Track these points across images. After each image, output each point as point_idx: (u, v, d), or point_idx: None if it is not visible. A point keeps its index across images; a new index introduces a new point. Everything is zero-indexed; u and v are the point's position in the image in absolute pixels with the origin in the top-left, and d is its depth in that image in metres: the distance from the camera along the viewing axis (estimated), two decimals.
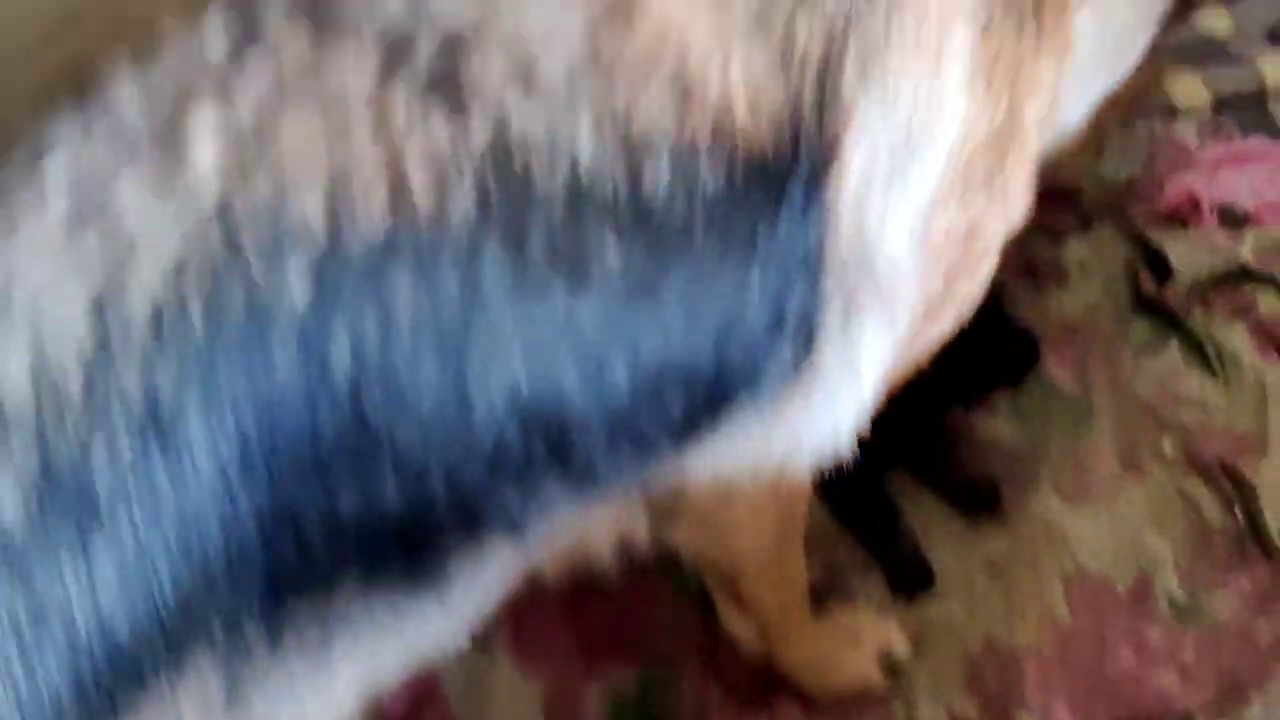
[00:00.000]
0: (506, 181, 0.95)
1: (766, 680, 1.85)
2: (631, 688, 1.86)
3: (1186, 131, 2.37)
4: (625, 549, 1.47)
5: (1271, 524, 1.95)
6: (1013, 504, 2.00)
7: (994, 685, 1.87)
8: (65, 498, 0.86)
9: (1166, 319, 2.18)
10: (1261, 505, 1.96)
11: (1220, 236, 2.23)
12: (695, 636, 1.87)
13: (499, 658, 1.88)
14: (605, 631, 1.90)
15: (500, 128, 0.96)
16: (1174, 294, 2.16)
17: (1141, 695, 1.85)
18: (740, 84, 1.01)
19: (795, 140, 1.04)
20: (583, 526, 1.31)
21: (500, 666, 1.87)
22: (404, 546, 1.02)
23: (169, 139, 0.93)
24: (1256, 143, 2.34)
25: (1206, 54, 2.50)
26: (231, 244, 0.90)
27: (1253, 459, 2.02)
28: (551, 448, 1.03)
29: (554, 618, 1.92)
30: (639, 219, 0.99)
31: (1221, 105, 2.44)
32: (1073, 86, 1.33)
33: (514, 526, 1.09)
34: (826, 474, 1.37)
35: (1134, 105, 2.13)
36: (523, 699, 1.85)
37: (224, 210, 0.91)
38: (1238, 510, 1.99)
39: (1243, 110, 2.43)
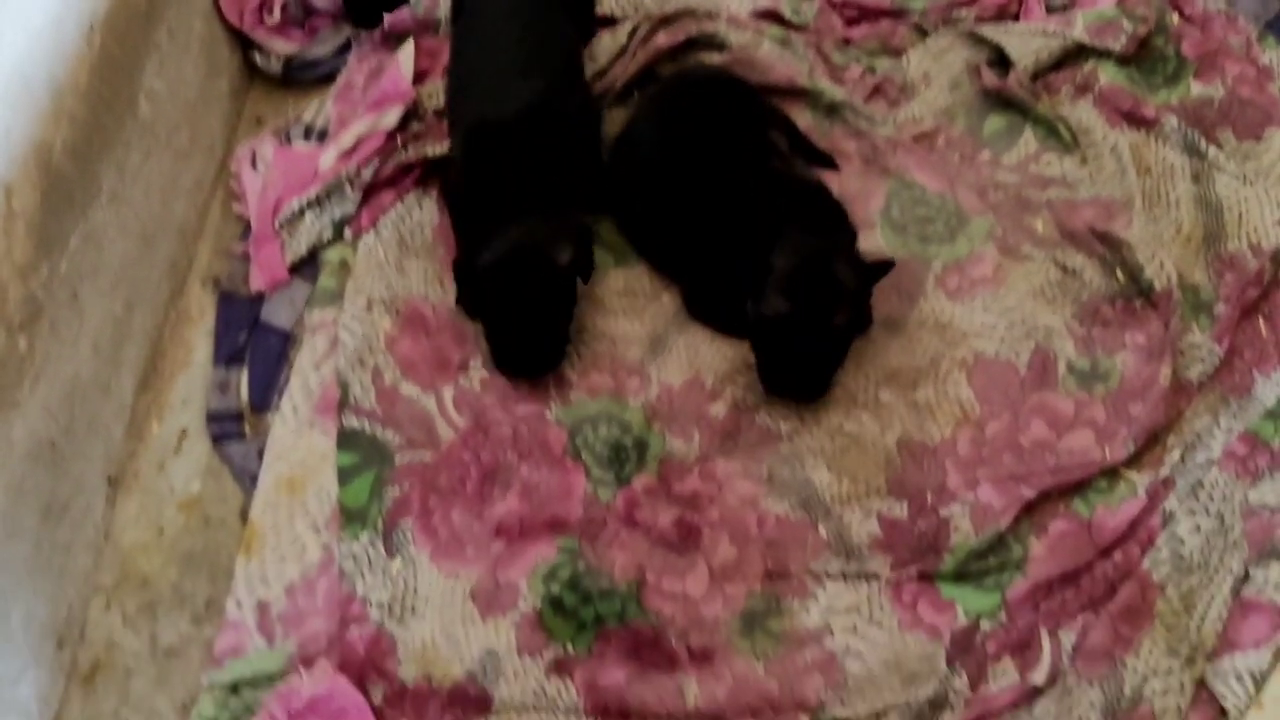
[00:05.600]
0: None
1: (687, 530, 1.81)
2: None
3: None
4: None
5: (1151, 276, 1.96)
6: (903, 312, 1.99)
7: (917, 483, 1.85)
8: None
9: (1016, 108, 2.18)
10: (1140, 261, 1.97)
11: (1051, 22, 2.24)
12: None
13: (419, 559, 1.81)
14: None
15: None
16: (1018, 84, 2.17)
17: (1062, 462, 1.84)
18: None
19: None
20: None
21: (421, 569, 1.80)
22: None
23: None
24: None
25: None
26: None
27: (1123, 220, 2.03)
28: None
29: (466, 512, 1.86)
30: None
31: None
32: None
33: None
34: None
35: None
36: (451, 597, 1.78)
37: None
38: (1118, 272, 2.00)
39: None
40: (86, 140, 1.84)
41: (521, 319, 1.89)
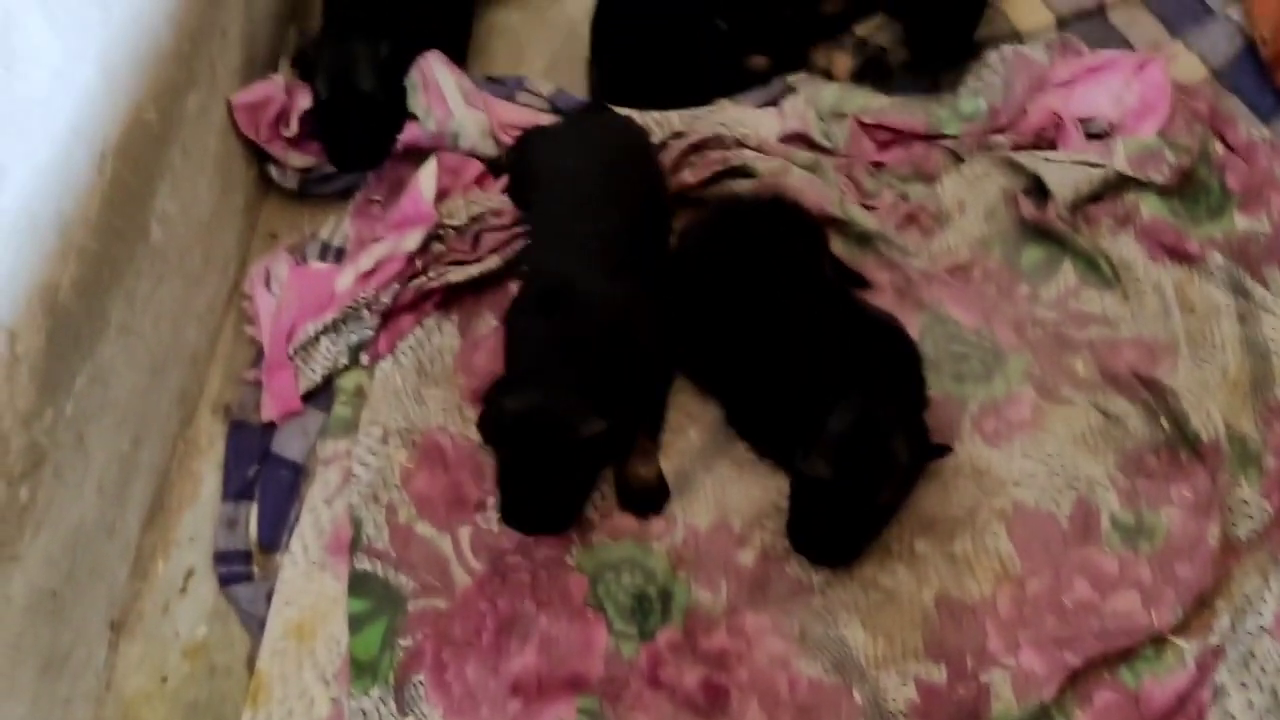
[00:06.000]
0: None
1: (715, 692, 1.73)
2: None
3: (1036, 53, 2.33)
4: None
5: (1197, 426, 1.88)
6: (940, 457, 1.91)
7: (956, 645, 1.76)
8: None
9: (1055, 240, 2.12)
10: (1185, 409, 1.89)
11: (1091, 150, 2.17)
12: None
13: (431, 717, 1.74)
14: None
15: None
16: (1057, 215, 2.10)
17: (1107, 626, 1.76)
18: None
19: None
20: None
21: None
22: None
23: None
24: (1107, 54, 2.30)
25: None
26: None
27: (1167, 364, 1.96)
28: None
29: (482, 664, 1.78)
30: None
31: (1063, 23, 2.41)
32: None
33: None
34: None
35: None
36: None
37: None
38: (1163, 420, 1.92)
39: (1086, 25, 2.40)
40: (95, 274, 1.77)
41: (532, 478, 1.78)
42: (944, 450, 1.81)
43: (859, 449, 1.71)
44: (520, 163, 2.16)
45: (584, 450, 1.74)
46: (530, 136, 2.17)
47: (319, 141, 2.23)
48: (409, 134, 2.22)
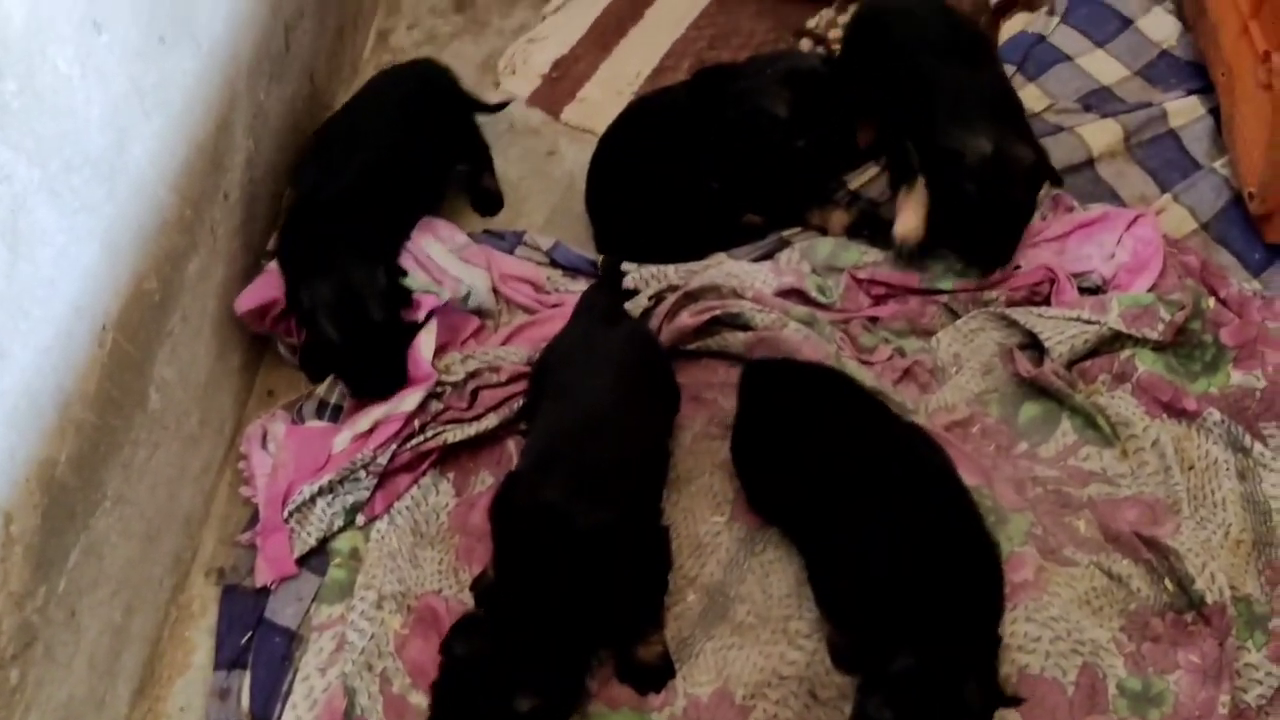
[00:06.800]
0: None
1: None
2: None
3: None
4: None
5: (1202, 588, 1.86)
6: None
7: None
8: None
9: (1052, 397, 2.12)
10: (1189, 571, 1.87)
11: (1086, 306, 2.19)
12: None
13: None
14: None
15: None
16: (1054, 372, 2.11)
17: None
18: None
19: None
20: None
21: None
22: None
23: None
24: (1098, 210, 2.33)
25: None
26: None
27: (1169, 525, 1.94)
28: None
29: None
30: None
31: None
32: None
33: None
34: None
35: None
36: None
37: None
38: (1167, 581, 1.90)
39: (1076, 178, 2.43)
40: (93, 448, 1.77)
41: None
42: (1017, 700, 1.70)
43: (926, 696, 1.60)
44: (536, 377, 2.10)
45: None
46: (545, 353, 2.11)
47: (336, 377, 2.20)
48: (427, 304, 2.19)
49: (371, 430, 2.10)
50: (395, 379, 2.13)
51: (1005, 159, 2.10)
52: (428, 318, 2.18)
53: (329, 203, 2.19)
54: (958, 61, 2.25)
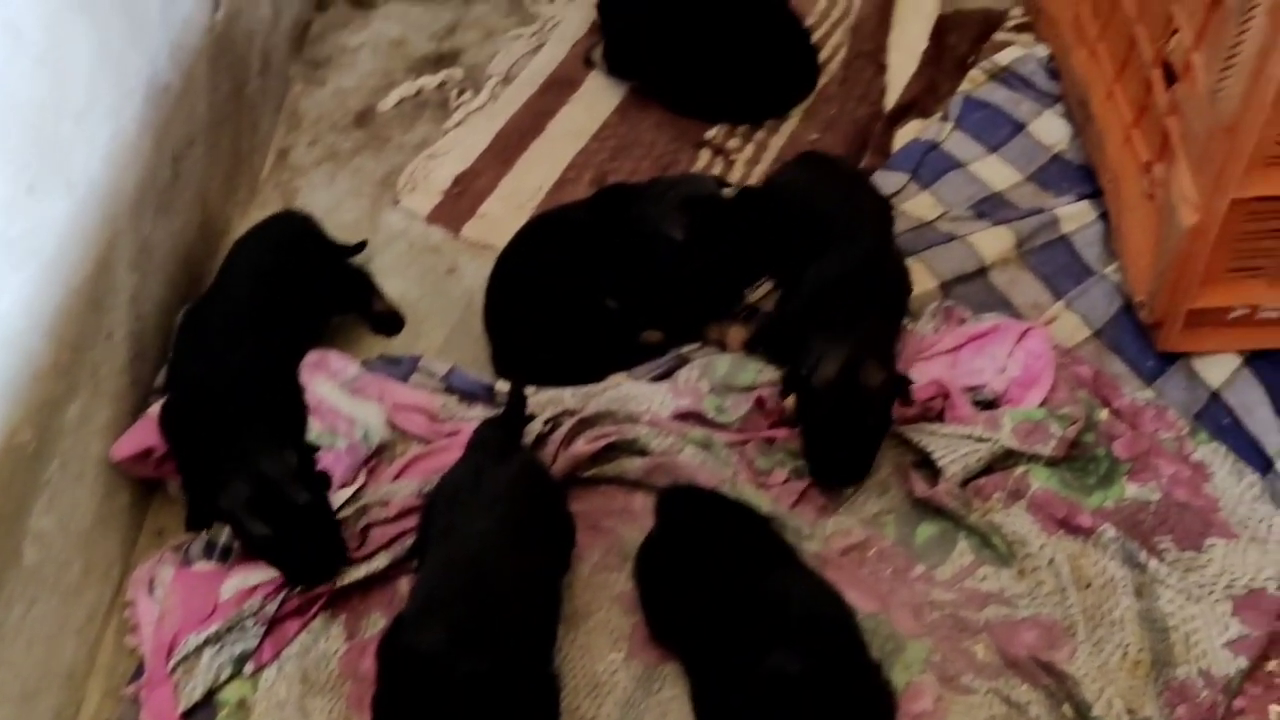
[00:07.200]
0: None
1: None
2: None
3: (921, 321, 2.37)
4: None
5: (1099, 714, 1.84)
6: None
7: None
8: None
9: (948, 517, 2.11)
10: (1087, 698, 1.85)
11: (980, 422, 2.18)
12: None
13: None
14: None
15: None
16: (948, 493, 2.10)
17: None
18: None
19: None
20: None
21: None
22: None
23: None
24: (989, 320, 2.34)
25: (920, 239, 2.53)
26: None
27: (1066, 649, 1.93)
28: None
29: None
30: None
31: (946, 287, 2.45)
32: None
33: None
34: None
35: None
36: None
37: None
38: (1066, 707, 1.88)
39: (968, 287, 2.44)
40: None
41: None
42: None
43: None
44: (427, 514, 2.05)
45: None
46: (435, 491, 2.06)
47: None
48: (325, 461, 2.13)
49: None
50: (337, 558, 2.05)
51: (853, 384, 2.05)
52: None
53: (218, 398, 2.13)
54: (836, 251, 2.26)
